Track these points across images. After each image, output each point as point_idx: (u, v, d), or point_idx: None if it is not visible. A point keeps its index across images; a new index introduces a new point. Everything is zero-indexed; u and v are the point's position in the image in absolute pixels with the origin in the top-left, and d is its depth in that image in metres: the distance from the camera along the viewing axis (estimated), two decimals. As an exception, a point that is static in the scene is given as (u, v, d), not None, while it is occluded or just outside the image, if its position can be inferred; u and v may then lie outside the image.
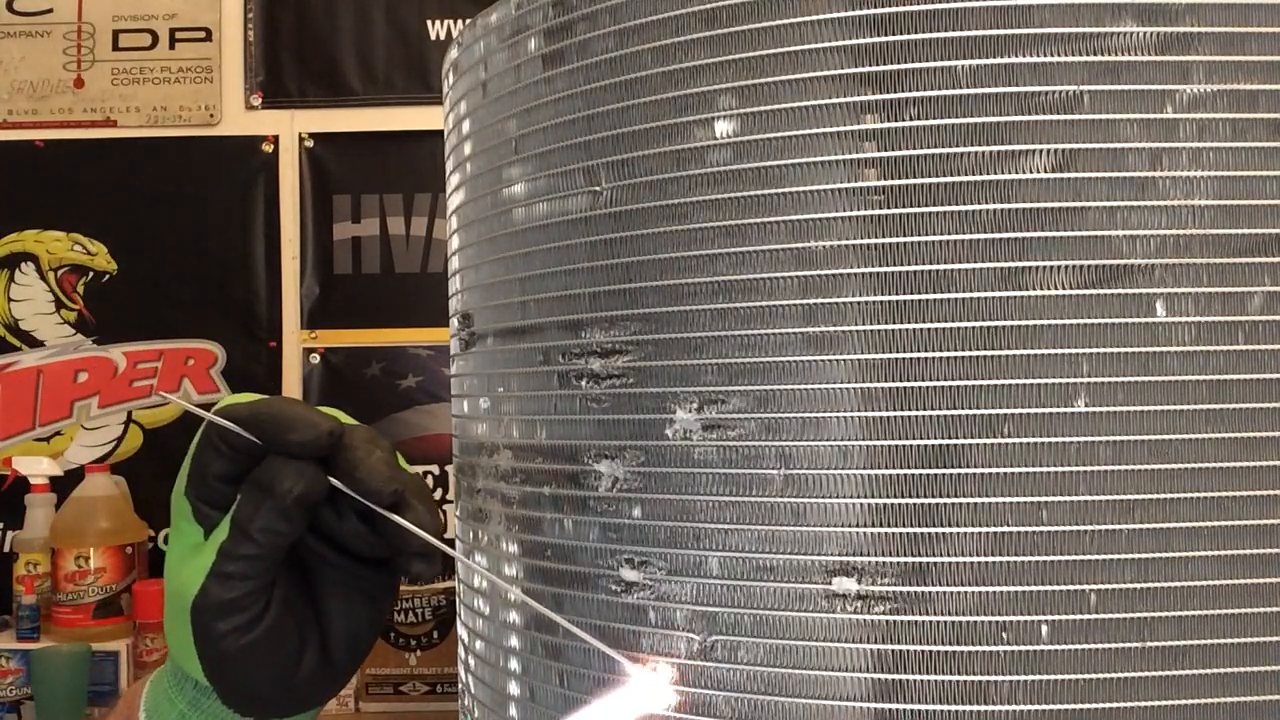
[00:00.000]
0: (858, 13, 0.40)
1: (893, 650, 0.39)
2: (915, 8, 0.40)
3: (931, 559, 0.39)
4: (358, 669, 0.43)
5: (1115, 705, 0.38)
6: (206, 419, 0.40)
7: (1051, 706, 0.38)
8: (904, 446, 0.39)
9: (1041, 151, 0.39)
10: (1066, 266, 0.39)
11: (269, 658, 0.40)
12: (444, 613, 1.59)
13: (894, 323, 0.40)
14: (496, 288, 0.53)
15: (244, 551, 0.39)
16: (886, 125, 0.40)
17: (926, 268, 0.39)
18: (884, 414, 0.40)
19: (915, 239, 0.40)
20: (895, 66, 0.40)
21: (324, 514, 0.41)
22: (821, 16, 0.41)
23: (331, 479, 0.39)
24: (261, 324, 1.79)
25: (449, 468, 1.74)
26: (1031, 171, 0.39)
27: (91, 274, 1.78)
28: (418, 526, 0.39)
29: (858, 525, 0.40)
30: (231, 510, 0.39)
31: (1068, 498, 0.39)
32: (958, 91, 0.39)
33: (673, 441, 0.43)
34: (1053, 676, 0.39)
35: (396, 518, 0.39)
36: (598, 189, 0.46)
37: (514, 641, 0.51)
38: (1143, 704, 0.38)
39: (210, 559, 0.39)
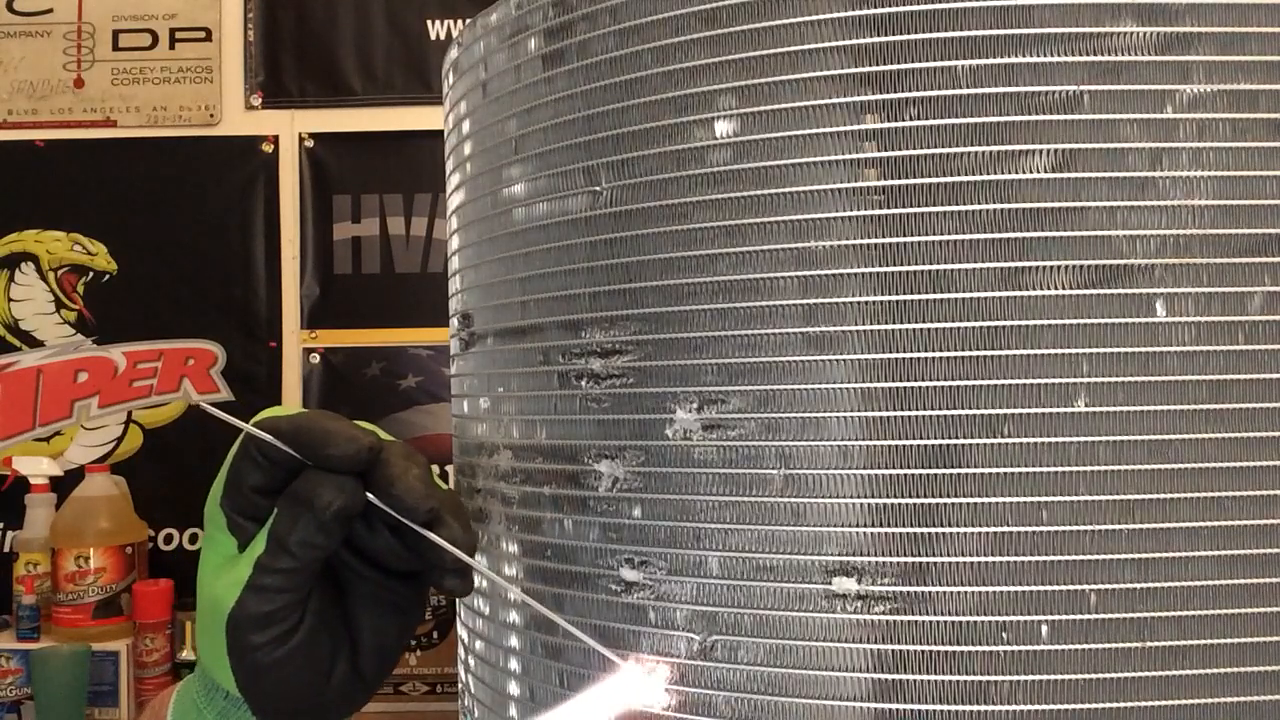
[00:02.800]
0: (858, 13, 0.40)
1: (893, 650, 0.39)
2: (915, 8, 0.40)
3: (931, 559, 0.39)
4: (385, 680, 0.43)
5: (1115, 705, 0.38)
6: (245, 430, 0.40)
7: (1051, 706, 0.38)
8: (904, 446, 0.39)
9: (1041, 151, 0.39)
10: (1066, 266, 0.39)
11: (302, 670, 0.40)
12: (444, 613, 1.59)
13: (894, 323, 0.40)
14: (496, 288, 0.53)
15: (281, 565, 0.39)
16: (886, 125, 0.40)
17: (926, 268, 0.39)
18: (884, 414, 0.40)
19: (915, 239, 0.40)
20: (895, 66, 0.40)
21: (356, 527, 0.41)
22: (821, 16, 0.41)
23: (368, 494, 0.39)
24: (261, 324, 1.79)
25: (449, 468, 1.74)
26: (1031, 171, 0.39)
27: (91, 274, 1.78)
28: (452, 544, 0.39)
29: (858, 525, 0.40)
30: (268, 523, 0.39)
31: (1068, 498, 0.39)
32: (958, 91, 0.39)
33: (673, 441, 0.43)
34: (1053, 676, 0.39)
35: (432, 535, 0.39)
36: (598, 189, 0.46)
37: (514, 641, 0.51)
38: (1143, 704, 0.38)
39: (246, 571, 0.39)
